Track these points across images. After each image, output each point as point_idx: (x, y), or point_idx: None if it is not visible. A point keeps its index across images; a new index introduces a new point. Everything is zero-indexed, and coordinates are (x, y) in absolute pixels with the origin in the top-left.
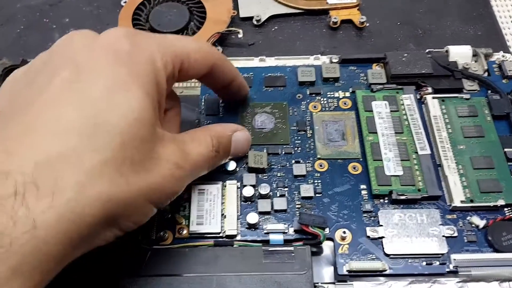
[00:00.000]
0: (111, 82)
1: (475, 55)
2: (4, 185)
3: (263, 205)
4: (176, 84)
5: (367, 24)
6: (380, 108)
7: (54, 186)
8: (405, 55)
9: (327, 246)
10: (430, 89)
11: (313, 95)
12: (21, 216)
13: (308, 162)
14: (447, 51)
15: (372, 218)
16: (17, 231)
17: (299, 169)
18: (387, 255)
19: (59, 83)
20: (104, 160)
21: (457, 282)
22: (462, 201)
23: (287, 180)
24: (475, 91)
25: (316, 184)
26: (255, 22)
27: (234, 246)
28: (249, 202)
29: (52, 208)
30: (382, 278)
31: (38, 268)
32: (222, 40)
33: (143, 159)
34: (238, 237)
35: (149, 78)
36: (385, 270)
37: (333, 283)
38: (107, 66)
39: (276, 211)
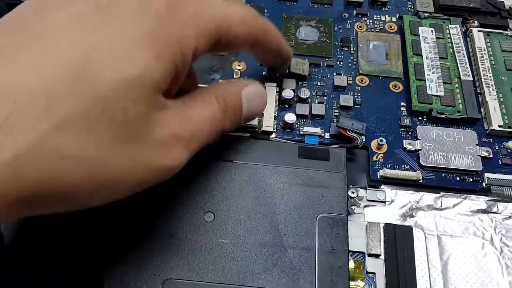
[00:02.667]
0: (125, 34)
1: None
2: None
3: (301, 108)
4: None
5: None
6: (426, 33)
7: (4, 124)
8: None
9: (361, 154)
10: (476, 23)
11: (360, 15)
12: None
13: (350, 76)
14: None
15: (410, 133)
16: None
17: (340, 80)
18: (422, 167)
19: (67, 14)
20: (77, 112)
21: (488, 200)
22: (500, 126)
23: (327, 90)
24: None
25: (356, 96)
26: None
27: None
28: (287, 106)
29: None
30: (413, 188)
31: None
32: None
33: (130, 124)
34: (273, 135)
35: (173, 46)
36: (419, 180)
37: (365, 188)
38: (129, 17)
39: (314, 115)
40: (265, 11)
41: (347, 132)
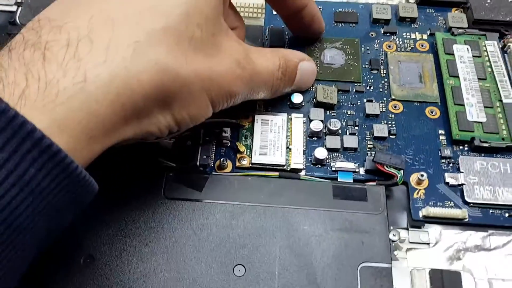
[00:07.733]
0: None
1: None
2: (56, 36)
3: (332, 141)
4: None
5: None
6: (462, 52)
7: (109, 42)
8: (488, 1)
9: (399, 190)
10: None
11: (388, 34)
12: (71, 67)
13: (382, 102)
14: None
15: (451, 165)
16: (66, 81)
17: (372, 108)
18: (467, 203)
19: None
20: (166, 26)
21: None
22: None
23: (358, 119)
24: None
25: (390, 125)
26: None
27: (301, 179)
28: (316, 138)
29: (106, 64)
30: (459, 227)
31: (85, 129)
32: None
33: (205, 42)
34: (303, 173)
35: None
36: (465, 219)
37: (406, 228)
38: None
39: (346, 149)
40: (286, 33)
41: (385, 167)
